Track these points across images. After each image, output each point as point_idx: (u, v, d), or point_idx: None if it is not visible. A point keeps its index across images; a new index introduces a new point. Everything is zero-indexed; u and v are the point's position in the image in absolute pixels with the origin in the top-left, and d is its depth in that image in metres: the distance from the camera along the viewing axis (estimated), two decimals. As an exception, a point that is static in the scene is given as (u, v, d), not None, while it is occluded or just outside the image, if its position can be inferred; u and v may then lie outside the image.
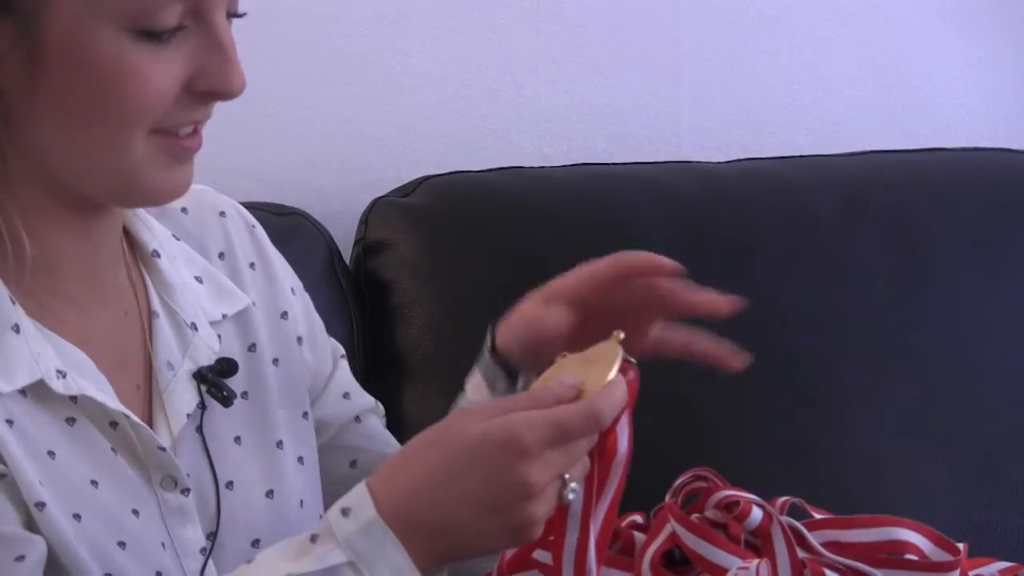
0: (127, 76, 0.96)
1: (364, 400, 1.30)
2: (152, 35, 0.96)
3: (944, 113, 2.10)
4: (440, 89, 1.89)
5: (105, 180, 1.01)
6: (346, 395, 1.28)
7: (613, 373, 0.95)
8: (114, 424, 1.05)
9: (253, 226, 1.23)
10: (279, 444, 1.17)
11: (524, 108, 1.92)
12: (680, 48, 1.97)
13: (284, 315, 1.21)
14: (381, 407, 1.33)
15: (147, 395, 1.10)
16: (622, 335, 0.99)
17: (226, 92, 1.00)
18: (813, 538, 1.09)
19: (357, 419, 1.28)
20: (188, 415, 1.10)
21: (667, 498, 1.11)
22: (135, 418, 1.05)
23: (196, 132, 1.02)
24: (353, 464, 1.26)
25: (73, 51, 0.96)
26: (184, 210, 1.18)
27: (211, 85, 0.99)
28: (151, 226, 1.14)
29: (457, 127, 1.89)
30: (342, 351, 1.30)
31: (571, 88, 1.94)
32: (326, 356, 1.27)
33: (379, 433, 1.29)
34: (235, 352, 1.16)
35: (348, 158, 1.84)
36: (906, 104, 2.08)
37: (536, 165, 1.86)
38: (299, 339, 1.22)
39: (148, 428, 1.06)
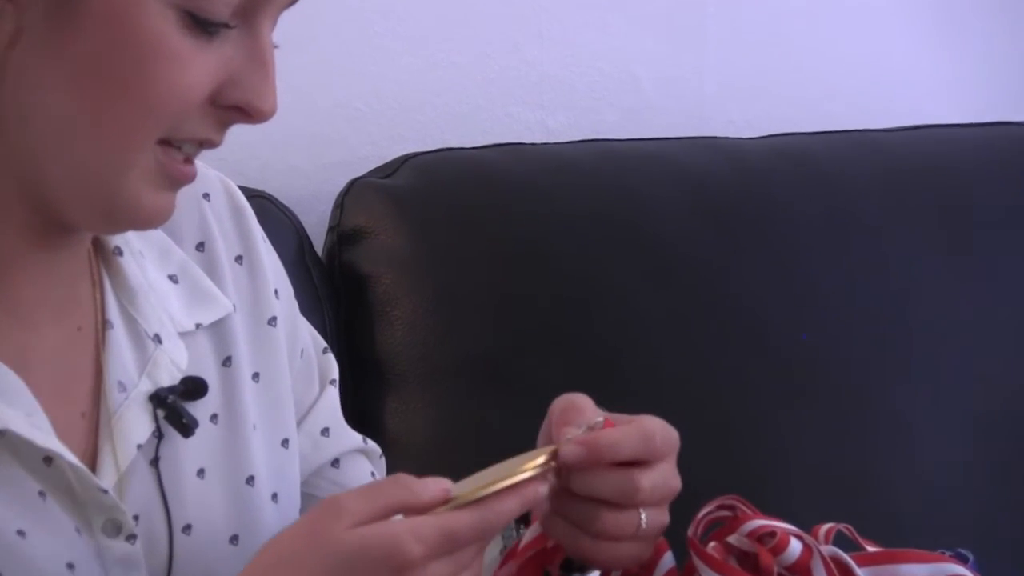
0: (165, 59, 0.95)
1: (347, 439, 1.27)
2: (200, 23, 0.96)
3: (1007, 84, 2.13)
4: (426, 53, 1.88)
5: (92, 184, 0.98)
6: (325, 431, 1.25)
7: (510, 481, 0.97)
8: (48, 460, 1.02)
9: (242, 210, 1.21)
10: (250, 480, 1.14)
11: (524, 75, 1.92)
12: (705, 7, 1.99)
13: (272, 321, 1.19)
14: (375, 447, 1.30)
15: (94, 422, 1.07)
16: (554, 462, 1.01)
17: (256, 110, 0.99)
18: (862, 573, 1.08)
19: (335, 463, 1.25)
20: (139, 446, 1.07)
21: (688, 532, 1.10)
22: (70, 456, 1.02)
23: (192, 160, 1.02)
24: None
25: (113, 15, 0.94)
26: None
27: (242, 98, 0.99)
28: None
29: (446, 97, 1.89)
30: (334, 374, 1.28)
31: (579, 52, 1.94)
32: (310, 378, 1.25)
33: (359, 482, 1.26)
34: (207, 368, 1.14)
35: (320, 133, 1.84)
36: (963, 73, 2.11)
37: (538, 141, 1.86)
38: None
39: (85, 468, 1.03)
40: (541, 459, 0.99)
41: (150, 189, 0.99)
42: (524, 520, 1.10)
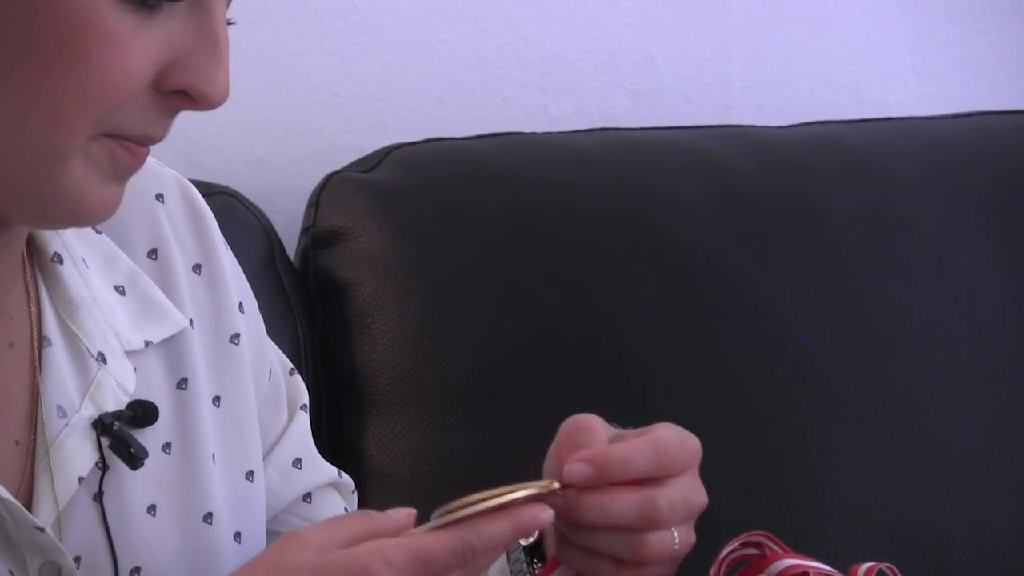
0: (98, 40, 0.93)
1: (321, 471, 1.26)
2: None
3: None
4: (413, 30, 1.89)
5: (21, 174, 0.97)
6: (297, 462, 1.24)
7: (498, 501, 0.97)
8: None
9: (201, 214, 1.19)
10: (208, 517, 1.13)
11: (524, 55, 1.94)
12: (730, -23, 1.96)
13: (235, 338, 1.18)
14: (349, 480, 1.29)
15: (29, 452, 1.06)
16: (556, 484, 1.02)
17: (202, 95, 0.96)
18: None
19: (307, 497, 1.25)
20: (81, 479, 1.06)
21: (711, 573, 1.11)
22: (1, 491, 1.00)
23: (142, 143, 1.00)
24: None
25: None
26: None
27: (189, 82, 0.96)
28: None
29: (435, 80, 1.90)
30: (304, 399, 1.26)
31: (585, 29, 1.95)
32: (278, 404, 1.24)
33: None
34: (158, 391, 1.12)
35: (292, 121, 1.85)
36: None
37: (539, 130, 1.85)
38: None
39: (19, 504, 1.01)
40: (543, 481, 1.01)
41: (93, 181, 0.98)
42: (535, 554, 1.11)
